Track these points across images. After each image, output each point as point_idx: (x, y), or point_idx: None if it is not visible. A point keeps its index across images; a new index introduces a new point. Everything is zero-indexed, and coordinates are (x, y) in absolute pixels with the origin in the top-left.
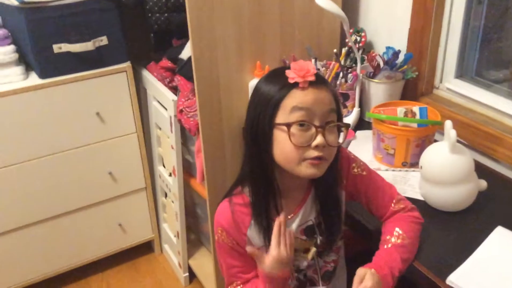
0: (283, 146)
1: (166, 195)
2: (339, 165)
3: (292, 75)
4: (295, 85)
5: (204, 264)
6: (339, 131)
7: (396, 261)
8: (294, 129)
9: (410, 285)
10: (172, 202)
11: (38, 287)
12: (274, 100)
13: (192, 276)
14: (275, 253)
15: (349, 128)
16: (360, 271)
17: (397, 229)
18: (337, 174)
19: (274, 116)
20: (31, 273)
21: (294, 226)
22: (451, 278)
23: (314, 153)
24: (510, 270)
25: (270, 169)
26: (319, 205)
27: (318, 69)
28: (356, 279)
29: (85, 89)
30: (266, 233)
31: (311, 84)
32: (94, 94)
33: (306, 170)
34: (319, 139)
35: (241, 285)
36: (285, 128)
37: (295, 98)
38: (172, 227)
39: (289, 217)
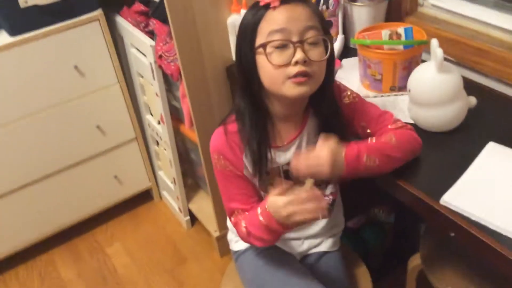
0: (265, 69)
1: (157, 143)
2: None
3: None
4: (268, 7)
5: (203, 206)
6: (326, 47)
7: (375, 150)
8: (270, 48)
9: (405, 209)
10: (165, 149)
11: (46, 243)
12: (250, 26)
13: (193, 219)
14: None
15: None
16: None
17: (392, 136)
18: (333, 103)
19: (254, 42)
20: (33, 232)
21: (289, 154)
22: (445, 198)
23: (295, 69)
24: (503, 184)
25: (260, 98)
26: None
27: None
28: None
29: (59, 43)
30: (258, 162)
31: (283, 2)
32: (69, 47)
33: (290, 90)
34: (298, 55)
35: (243, 214)
36: (262, 50)
37: (269, 20)
38: (168, 174)
39: (284, 143)
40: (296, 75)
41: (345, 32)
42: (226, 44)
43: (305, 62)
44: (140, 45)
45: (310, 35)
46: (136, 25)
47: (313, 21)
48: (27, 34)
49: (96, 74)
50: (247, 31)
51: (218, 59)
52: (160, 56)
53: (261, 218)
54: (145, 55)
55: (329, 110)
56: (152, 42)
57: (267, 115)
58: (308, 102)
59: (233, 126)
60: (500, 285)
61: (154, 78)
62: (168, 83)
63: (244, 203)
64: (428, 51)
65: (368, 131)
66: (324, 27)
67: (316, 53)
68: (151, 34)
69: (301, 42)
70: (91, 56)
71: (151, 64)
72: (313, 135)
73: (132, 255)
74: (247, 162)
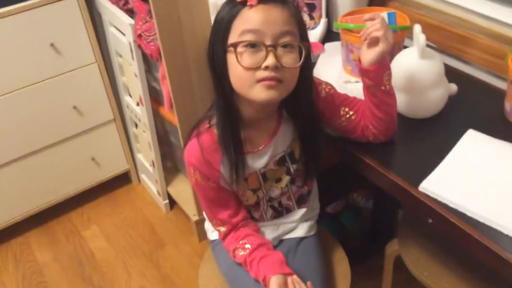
0: (235, 69)
1: (136, 125)
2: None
3: None
4: (245, 4)
5: (182, 190)
6: (301, 53)
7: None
8: (241, 49)
9: (383, 195)
10: (144, 132)
11: (21, 226)
12: (224, 22)
13: (172, 203)
14: None
15: (317, 42)
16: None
17: None
18: (310, 107)
19: (226, 39)
20: (8, 214)
21: (266, 157)
22: (424, 185)
23: (264, 74)
24: (482, 171)
25: (232, 98)
26: (299, 139)
27: None
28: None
29: (34, 20)
30: (235, 167)
31: (261, 1)
32: (45, 24)
33: (259, 93)
34: (269, 60)
35: (223, 227)
36: (233, 49)
37: (244, 18)
38: (147, 157)
39: (260, 148)
40: (265, 79)
41: (328, 15)
42: (208, 24)
43: (277, 67)
44: (119, 23)
45: (285, 40)
46: (115, 2)
47: (290, 26)
48: (0, 9)
49: (73, 53)
50: (221, 27)
51: (200, 40)
52: (140, 36)
53: (252, 273)
54: (124, 34)
55: (304, 114)
56: (132, 21)
57: (240, 119)
58: (282, 105)
59: (206, 136)
60: (477, 272)
61: (133, 58)
62: (148, 63)
63: (222, 212)
64: (410, 37)
65: (351, 112)
66: (302, 32)
67: (289, 59)
68: (130, 12)
69: (274, 46)
70: (68, 34)
71: (130, 43)
72: (287, 138)
73: (109, 238)
74: (224, 171)
